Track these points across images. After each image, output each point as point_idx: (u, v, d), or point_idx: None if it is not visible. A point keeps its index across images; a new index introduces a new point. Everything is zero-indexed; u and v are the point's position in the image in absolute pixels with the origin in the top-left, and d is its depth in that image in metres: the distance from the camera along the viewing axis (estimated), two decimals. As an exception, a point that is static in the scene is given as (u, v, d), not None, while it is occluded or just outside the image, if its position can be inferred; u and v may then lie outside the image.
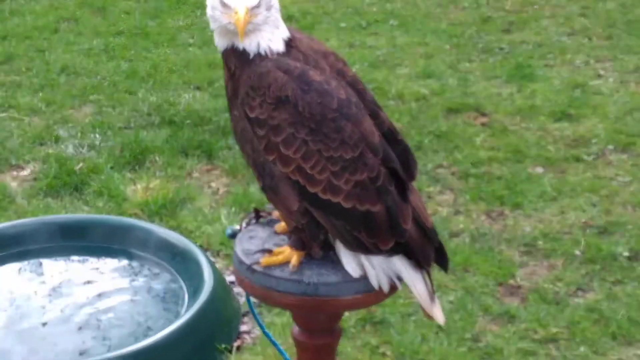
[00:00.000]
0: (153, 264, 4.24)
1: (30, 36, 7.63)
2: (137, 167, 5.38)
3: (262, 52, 2.38)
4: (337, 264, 2.50)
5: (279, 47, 2.40)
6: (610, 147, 5.57)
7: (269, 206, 2.70)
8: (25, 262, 4.33)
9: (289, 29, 2.46)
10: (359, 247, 2.45)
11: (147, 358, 3.53)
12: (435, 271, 2.63)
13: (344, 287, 2.48)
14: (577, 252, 4.46)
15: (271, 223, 2.71)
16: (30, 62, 7.06)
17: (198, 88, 6.59)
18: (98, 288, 4.11)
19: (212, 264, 4.09)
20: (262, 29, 2.38)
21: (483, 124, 5.95)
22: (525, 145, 5.61)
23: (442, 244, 2.58)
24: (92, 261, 4.32)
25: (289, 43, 2.43)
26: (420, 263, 2.51)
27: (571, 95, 6.33)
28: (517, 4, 8.37)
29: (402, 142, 2.53)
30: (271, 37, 2.39)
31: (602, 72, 6.79)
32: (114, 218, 4.59)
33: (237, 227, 2.73)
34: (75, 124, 5.99)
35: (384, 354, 3.78)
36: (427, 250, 2.52)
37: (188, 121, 5.93)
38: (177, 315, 3.84)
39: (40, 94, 6.44)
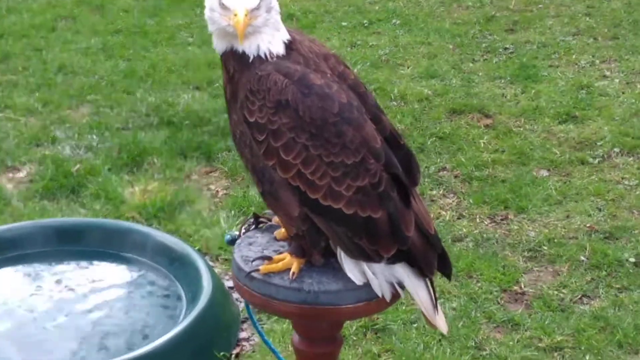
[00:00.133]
0: (151, 269, 4.19)
1: (27, 34, 7.57)
2: (135, 169, 5.32)
3: (262, 55, 2.35)
4: (338, 271, 2.46)
5: (279, 49, 2.37)
6: (616, 149, 5.50)
7: (268, 211, 2.67)
8: (21, 267, 4.28)
9: (289, 31, 2.43)
10: (361, 254, 2.41)
11: (144, 366, 3.47)
12: (438, 277, 2.58)
13: (345, 295, 2.45)
14: (583, 258, 4.39)
15: (271, 229, 2.68)
16: (27, 61, 7.00)
17: (197, 88, 6.53)
18: (95, 294, 4.06)
19: (210, 269, 4.04)
20: (262, 32, 2.34)
21: (487, 126, 5.88)
22: (529, 147, 5.54)
23: (445, 251, 2.54)
24: (89, 266, 4.27)
25: (289, 45, 2.39)
26: (423, 271, 2.48)
27: (576, 96, 6.26)
28: (521, 3, 8.31)
29: (405, 146, 2.50)
30: (271, 40, 2.36)
31: (607, 73, 6.72)
32: (110, 222, 4.53)
33: (236, 232, 2.70)
34: (72, 124, 5.93)
35: (385, 362, 3.72)
36: (430, 258, 2.48)
37: (187, 122, 5.86)
38: (175, 322, 3.79)
39: (37, 94, 6.38)
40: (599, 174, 5.22)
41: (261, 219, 2.71)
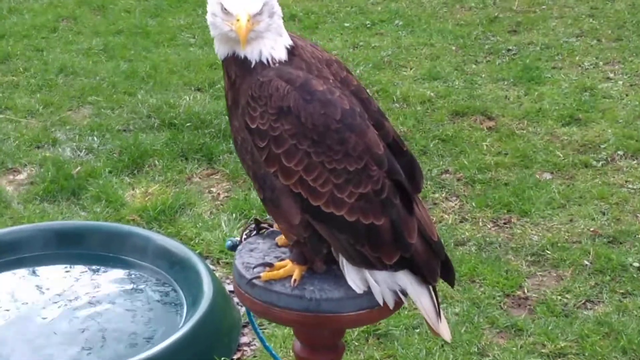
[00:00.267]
0: (151, 273, 4.16)
1: (29, 35, 7.55)
2: (135, 171, 5.29)
3: (264, 61, 2.33)
4: (340, 278, 2.45)
5: (282, 55, 2.35)
6: (620, 152, 5.46)
7: (269, 217, 2.62)
8: (21, 270, 4.26)
9: (292, 36, 2.41)
10: (363, 261, 2.40)
11: (145, 371, 3.45)
12: (441, 283, 2.55)
13: (347, 303, 2.43)
14: (586, 262, 4.36)
15: (272, 234, 2.67)
16: (28, 62, 6.98)
17: (199, 89, 6.50)
18: (95, 298, 4.04)
19: (211, 273, 4.01)
20: (264, 37, 2.33)
21: (489, 128, 5.85)
22: (532, 150, 5.50)
23: (448, 258, 2.52)
24: (89, 270, 4.25)
25: (292, 51, 2.37)
26: (425, 278, 2.46)
27: (580, 98, 6.22)
28: (524, 4, 8.27)
29: (408, 153, 2.49)
30: (273, 45, 2.34)
31: (611, 75, 6.69)
32: (111, 225, 4.50)
33: (237, 238, 2.69)
34: (73, 126, 5.90)
35: (387, 368, 3.69)
36: (432, 265, 2.47)
37: (188, 124, 5.83)
38: (175, 327, 3.76)
39: (38, 95, 6.36)
40: (602, 177, 5.18)
41: (262, 225, 2.70)
